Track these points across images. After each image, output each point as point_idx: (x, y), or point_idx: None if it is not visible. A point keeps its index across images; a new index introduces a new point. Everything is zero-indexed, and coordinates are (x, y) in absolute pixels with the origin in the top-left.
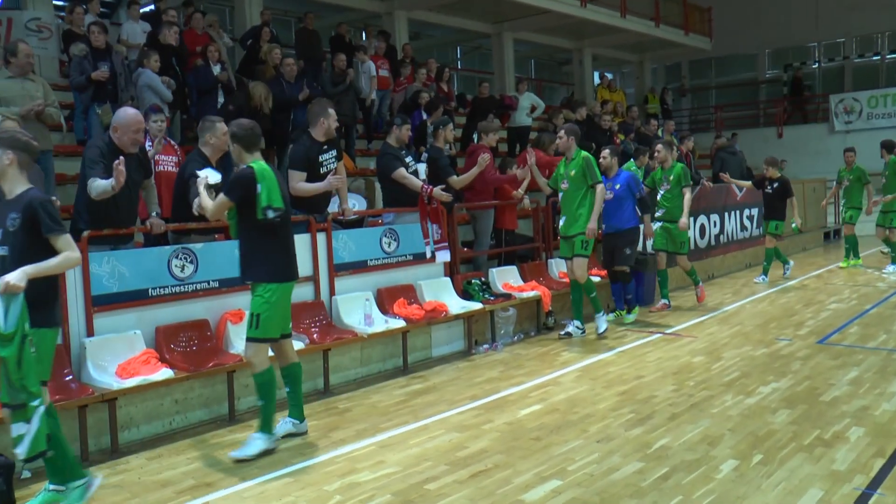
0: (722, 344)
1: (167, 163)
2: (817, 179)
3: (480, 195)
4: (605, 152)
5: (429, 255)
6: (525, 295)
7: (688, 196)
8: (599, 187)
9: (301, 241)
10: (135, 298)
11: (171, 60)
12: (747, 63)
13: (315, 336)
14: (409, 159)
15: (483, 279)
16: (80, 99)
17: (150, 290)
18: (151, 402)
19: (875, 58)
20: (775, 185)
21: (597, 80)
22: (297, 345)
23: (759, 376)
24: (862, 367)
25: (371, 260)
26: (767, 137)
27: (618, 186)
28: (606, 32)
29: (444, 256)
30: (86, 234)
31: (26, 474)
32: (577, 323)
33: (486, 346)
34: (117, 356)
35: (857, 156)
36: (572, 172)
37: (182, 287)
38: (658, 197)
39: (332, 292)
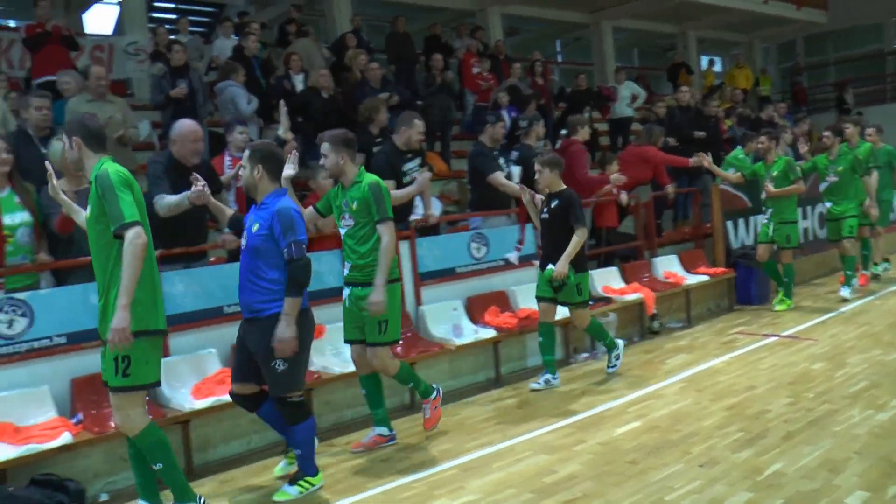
0: (847, 348)
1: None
2: None
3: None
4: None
5: (515, 261)
6: (627, 298)
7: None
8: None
9: None
10: (210, 317)
11: (254, 73)
12: (870, 34)
13: (400, 349)
14: (500, 160)
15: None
16: (161, 117)
17: (224, 308)
18: (228, 422)
19: None
20: None
21: (703, 64)
22: None
23: (893, 387)
24: None
25: (459, 267)
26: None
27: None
28: (710, 13)
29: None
30: (157, 253)
31: (103, 497)
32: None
33: (584, 354)
34: (192, 376)
35: None
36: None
37: None
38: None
39: (417, 302)
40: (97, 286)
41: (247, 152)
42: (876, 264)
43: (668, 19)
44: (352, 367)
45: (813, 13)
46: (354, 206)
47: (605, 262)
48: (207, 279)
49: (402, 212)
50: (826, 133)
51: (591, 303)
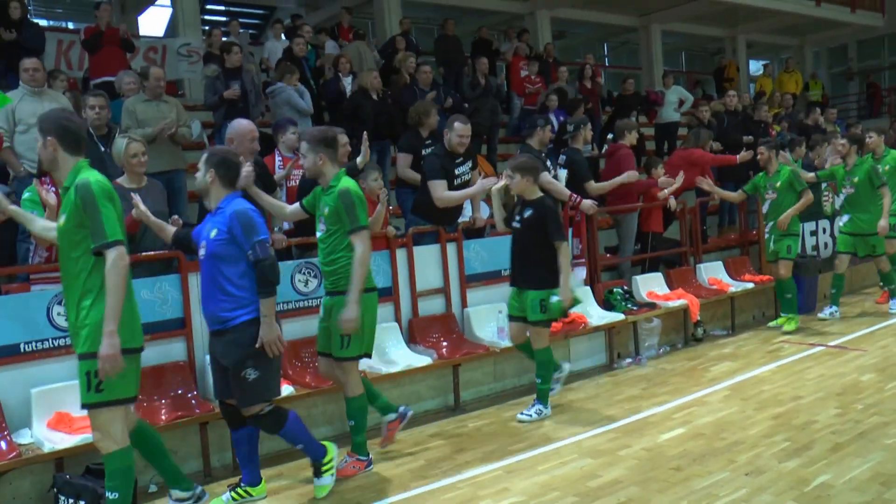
0: None
1: (297, 177)
2: None
3: (623, 198)
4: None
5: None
6: (671, 304)
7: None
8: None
9: (431, 252)
10: None
11: (305, 74)
12: None
13: (445, 350)
14: (548, 163)
15: (626, 287)
16: (214, 118)
17: None
18: None
19: None
20: None
21: (754, 68)
22: (425, 360)
23: None
24: None
25: (505, 270)
26: None
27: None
28: (761, 16)
29: (581, 273)
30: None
31: (153, 488)
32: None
33: (628, 359)
34: None
35: None
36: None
37: (306, 302)
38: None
39: (463, 304)
40: (66, 298)
41: (204, 155)
42: None
43: (718, 22)
44: (396, 367)
45: (869, 16)
46: (326, 211)
47: (650, 267)
48: None
49: (451, 214)
50: (842, 141)
51: (636, 308)
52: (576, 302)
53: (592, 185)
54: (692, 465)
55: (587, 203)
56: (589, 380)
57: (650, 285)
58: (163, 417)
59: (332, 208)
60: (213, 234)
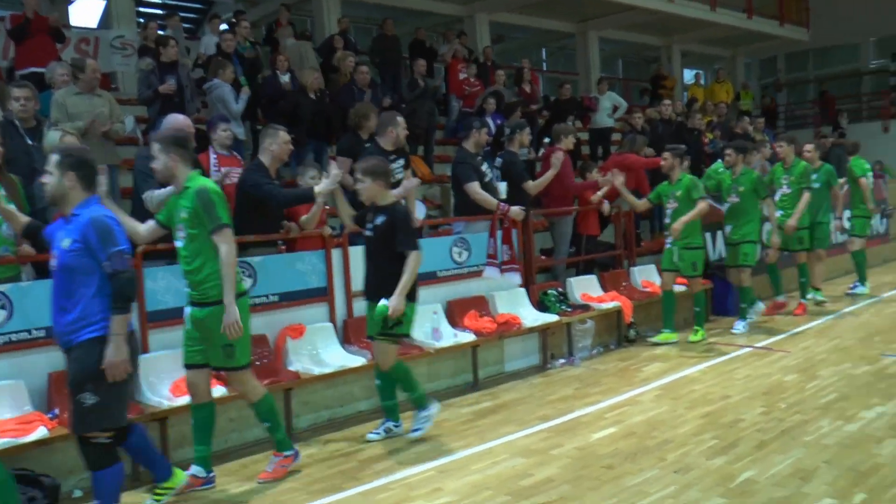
0: (818, 360)
1: (234, 175)
2: None
3: (559, 201)
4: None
5: (485, 274)
6: (604, 306)
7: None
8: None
9: None
10: None
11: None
12: (849, 53)
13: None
14: (485, 166)
15: (560, 289)
16: (148, 112)
17: None
18: None
19: None
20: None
21: (687, 78)
22: (360, 360)
23: (861, 399)
24: None
25: (441, 271)
26: (873, 132)
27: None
28: (696, 27)
29: (514, 278)
30: (140, 248)
31: (77, 493)
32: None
33: (562, 360)
34: (172, 374)
35: None
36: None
37: None
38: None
39: None
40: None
41: (55, 157)
42: (817, 289)
43: (653, 31)
44: (329, 368)
45: (795, 30)
46: (184, 215)
47: (584, 269)
48: None
49: None
50: (728, 151)
51: (570, 309)
52: (405, 320)
53: (530, 185)
54: (623, 463)
55: (515, 209)
56: (522, 380)
57: (584, 287)
58: None
59: (190, 211)
60: (66, 243)
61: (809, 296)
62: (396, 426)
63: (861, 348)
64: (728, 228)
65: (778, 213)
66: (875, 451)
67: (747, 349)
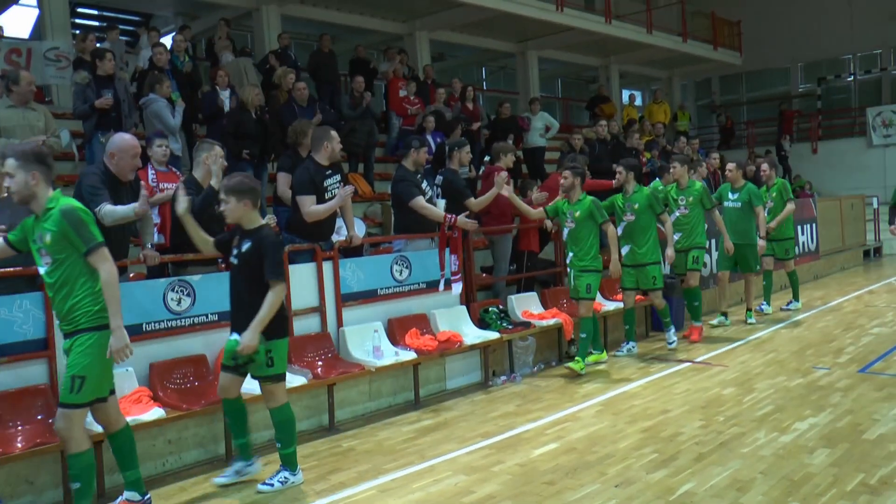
0: (755, 374)
1: (170, 191)
2: (856, 196)
3: (498, 219)
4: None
5: (442, 287)
6: (545, 323)
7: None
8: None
9: (307, 271)
10: (130, 334)
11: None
12: (779, 77)
13: (319, 370)
14: (424, 184)
15: (501, 307)
16: (83, 127)
17: (144, 325)
18: (143, 442)
19: None
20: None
21: (625, 98)
22: (300, 380)
23: (795, 410)
24: None
25: (381, 289)
26: (802, 153)
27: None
28: (633, 49)
29: (458, 288)
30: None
31: None
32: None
33: (503, 377)
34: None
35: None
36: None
37: (178, 321)
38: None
39: (339, 323)
40: None
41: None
42: (749, 310)
43: (592, 52)
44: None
45: (728, 54)
46: (48, 239)
47: (525, 286)
48: (128, 296)
49: (325, 232)
50: (619, 168)
51: (511, 326)
52: (256, 356)
53: (472, 202)
54: (564, 478)
55: (462, 218)
56: (464, 397)
57: (525, 304)
58: (19, 445)
59: (55, 234)
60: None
61: (749, 320)
62: (249, 466)
63: (795, 361)
64: (625, 249)
65: (676, 236)
66: (807, 461)
67: (686, 364)
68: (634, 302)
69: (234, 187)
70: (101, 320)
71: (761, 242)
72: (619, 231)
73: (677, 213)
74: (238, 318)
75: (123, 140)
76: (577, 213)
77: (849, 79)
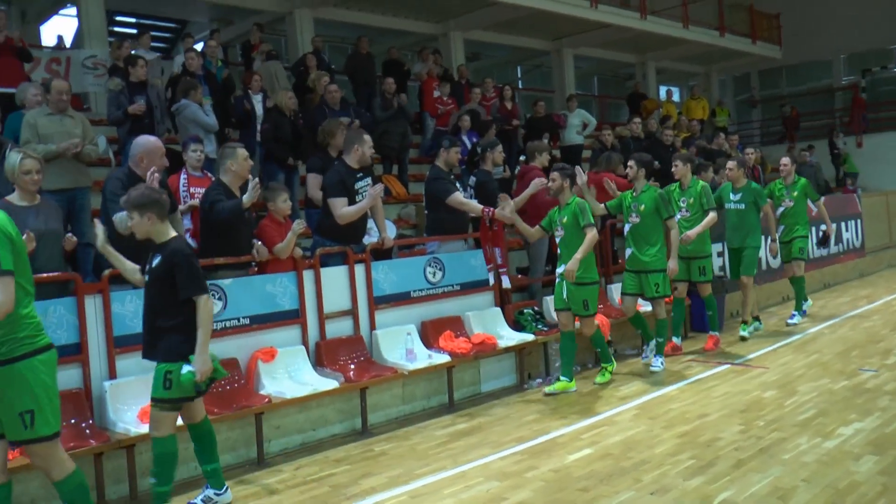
0: (797, 376)
1: (199, 194)
2: None
3: (533, 219)
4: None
5: (492, 281)
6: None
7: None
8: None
9: (338, 273)
10: None
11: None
12: (821, 70)
13: (352, 373)
14: (458, 185)
15: (536, 308)
16: (118, 133)
17: None
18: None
19: None
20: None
21: (662, 95)
22: (332, 383)
23: (840, 414)
24: None
25: (414, 291)
26: (847, 147)
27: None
28: (670, 44)
29: (507, 282)
30: (107, 272)
31: None
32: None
33: (539, 380)
34: (140, 399)
35: None
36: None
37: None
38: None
39: (371, 326)
40: None
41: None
42: (744, 323)
43: (628, 49)
44: (302, 391)
45: (767, 47)
46: None
47: None
48: None
49: (356, 234)
50: (630, 162)
51: (546, 328)
52: (217, 375)
53: None
54: (598, 485)
55: (500, 211)
56: (499, 401)
57: None
58: None
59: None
60: None
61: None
62: (220, 494)
63: (839, 363)
64: (628, 252)
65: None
66: (853, 469)
67: (725, 366)
68: (635, 307)
69: (134, 201)
70: (31, 344)
71: (773, 245)
72: (624, 232)
73: (678, 216)
74: (146, 340)
75: (149, 142)
76: (565, 219)
77: (895, 69)
